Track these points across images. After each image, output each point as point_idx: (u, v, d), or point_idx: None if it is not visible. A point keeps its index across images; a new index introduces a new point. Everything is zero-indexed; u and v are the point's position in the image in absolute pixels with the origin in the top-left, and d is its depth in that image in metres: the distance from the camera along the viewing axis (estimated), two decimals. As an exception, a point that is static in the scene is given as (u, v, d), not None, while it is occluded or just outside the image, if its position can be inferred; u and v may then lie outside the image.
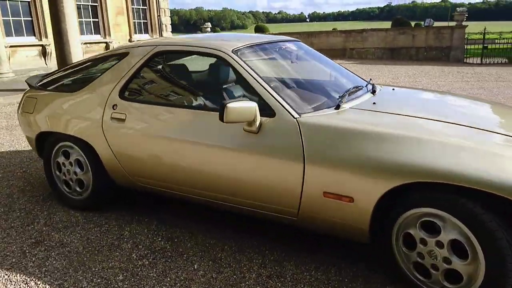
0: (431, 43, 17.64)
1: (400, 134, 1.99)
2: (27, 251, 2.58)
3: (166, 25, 19.03)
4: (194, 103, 2.67)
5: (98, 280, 2.27)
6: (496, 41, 17.83)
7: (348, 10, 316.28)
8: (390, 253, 2.11)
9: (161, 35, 18.71)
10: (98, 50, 15.03)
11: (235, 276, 2.29)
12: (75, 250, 2.58)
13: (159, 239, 2.70)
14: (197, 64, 3.16)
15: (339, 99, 2.41)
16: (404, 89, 3.26)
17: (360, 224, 2.08)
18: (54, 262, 2.46)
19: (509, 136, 2.06)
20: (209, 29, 24.43)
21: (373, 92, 2.77)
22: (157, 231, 2.81)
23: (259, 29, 32.14)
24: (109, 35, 16.13)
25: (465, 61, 15.78)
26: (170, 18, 19.56)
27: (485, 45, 16.68)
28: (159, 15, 18.46)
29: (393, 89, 3.04)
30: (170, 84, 2.98)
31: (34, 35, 13.25)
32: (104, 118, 2.79)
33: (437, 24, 19.24)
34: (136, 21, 17.85)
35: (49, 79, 3.37)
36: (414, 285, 2.07)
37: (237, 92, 2.76)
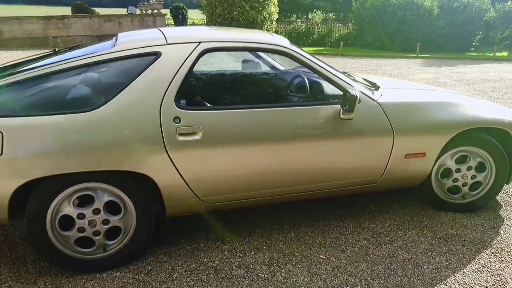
0: (138, 29, 18.49)
1: (438, 100, 2.83)
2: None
3: None
4: (281, 101, 2.54)
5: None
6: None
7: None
8: None
9: None
10: None
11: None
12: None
13: (253, 253, 2.50)
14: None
15: (370, 83, 2.97)
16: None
17: (428, 170, 2.82)
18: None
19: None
20: None
21: None
22: (231, 250, 2.55)
23: None
24: None
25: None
26: None
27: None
28: None
29: None
30: (237, 84, 2.61)
31: None
32: (166, 137, 2.20)
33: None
34: None
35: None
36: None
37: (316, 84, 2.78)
